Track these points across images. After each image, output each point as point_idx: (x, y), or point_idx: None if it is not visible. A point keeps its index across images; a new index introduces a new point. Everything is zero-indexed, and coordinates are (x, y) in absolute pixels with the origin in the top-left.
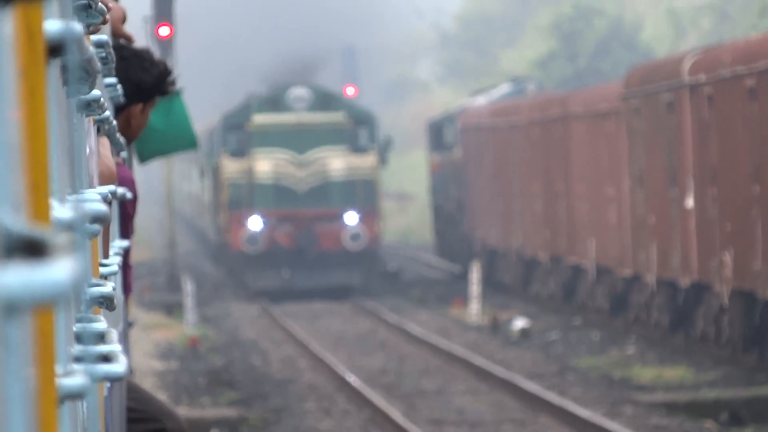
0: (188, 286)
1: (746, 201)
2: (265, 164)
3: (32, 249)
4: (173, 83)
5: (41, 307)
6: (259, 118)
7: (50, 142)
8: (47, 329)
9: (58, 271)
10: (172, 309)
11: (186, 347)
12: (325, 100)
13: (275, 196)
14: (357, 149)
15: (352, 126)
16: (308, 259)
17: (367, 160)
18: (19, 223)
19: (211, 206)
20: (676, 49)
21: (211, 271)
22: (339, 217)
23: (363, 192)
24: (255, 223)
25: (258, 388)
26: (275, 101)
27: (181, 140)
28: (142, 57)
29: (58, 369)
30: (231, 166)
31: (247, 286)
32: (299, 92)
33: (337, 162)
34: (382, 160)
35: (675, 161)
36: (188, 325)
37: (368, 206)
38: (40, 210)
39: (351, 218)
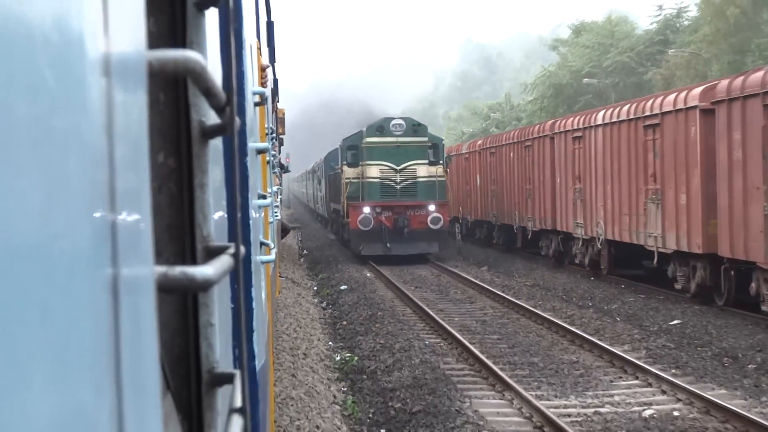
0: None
1: (517, 191)
2: (373, 171)
3: (262, 197)
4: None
5: (264, 209)
6: (369, 140)
7: (268, 173)
8: (266, 214)
9: (268, 201)
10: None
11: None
12: (414, 128)
13: (380, 192)
14: (432, 162)
15: (429, 147)
16: (403, 235)
17: (439, 169)
18: (260, 192)
19: (325, 199)
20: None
21: (309, 221)
22: (424, 207)
23: (438, 190)
24: (367, 210)
25: (320, 254)
26: (381, 128)
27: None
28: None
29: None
30: (349, 172)
31: (358, 253)
32: (398, 122)
33: (421, 170)
34: (446, 170)
35: (482, 177)
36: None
37: (442, 199)
38: (264, 188)
39: (432, 207)
